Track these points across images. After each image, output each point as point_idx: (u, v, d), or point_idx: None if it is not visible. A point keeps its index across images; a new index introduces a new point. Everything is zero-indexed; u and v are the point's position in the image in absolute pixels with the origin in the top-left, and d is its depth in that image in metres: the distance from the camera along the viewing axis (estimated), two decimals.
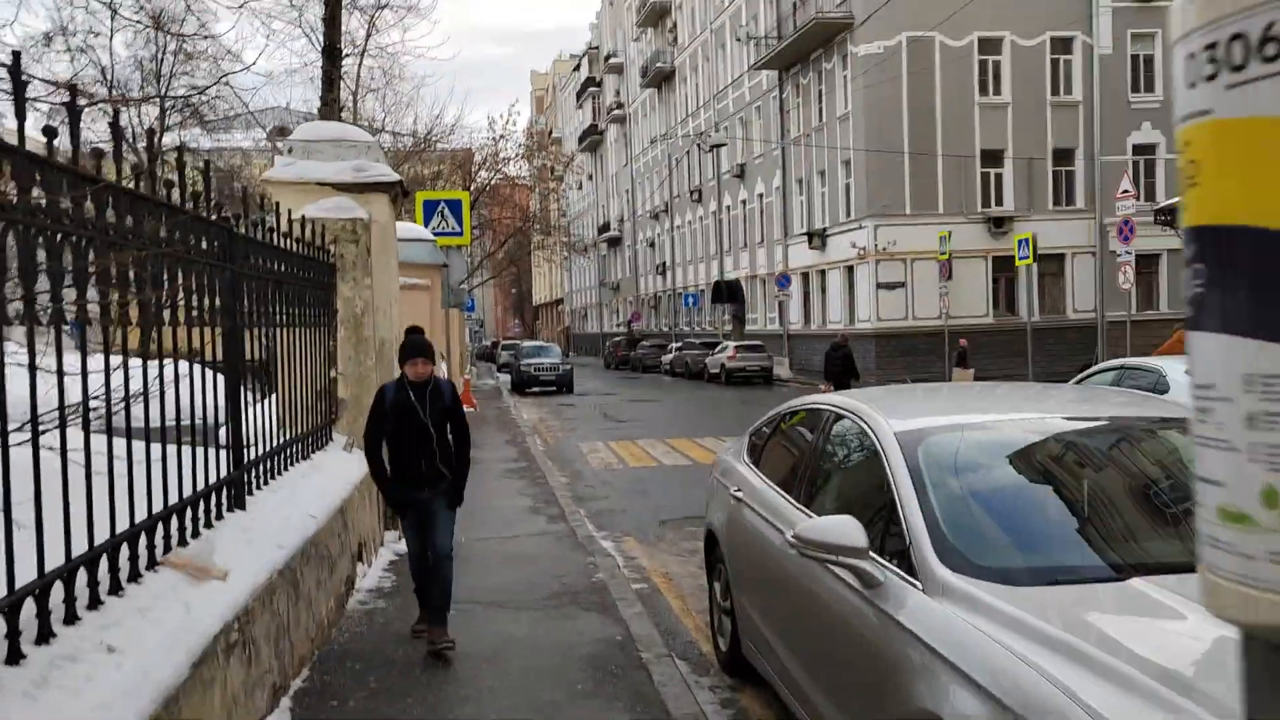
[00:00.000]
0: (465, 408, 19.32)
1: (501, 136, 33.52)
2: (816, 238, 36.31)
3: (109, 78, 31.57)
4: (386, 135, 32.46)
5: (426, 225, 16.29)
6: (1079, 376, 12.40)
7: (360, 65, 28.06)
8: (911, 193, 32.56)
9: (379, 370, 7.51)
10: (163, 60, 32.80)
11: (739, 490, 5.11)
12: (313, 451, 6.51)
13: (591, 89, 74.01)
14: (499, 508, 9.95)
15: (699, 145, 42.93)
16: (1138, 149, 33.56)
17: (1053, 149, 33.35)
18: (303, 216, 6.78)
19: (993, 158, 33.17)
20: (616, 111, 67.08)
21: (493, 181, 35.44)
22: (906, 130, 32.32)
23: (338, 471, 6.32)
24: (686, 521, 9.27)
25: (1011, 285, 33.68)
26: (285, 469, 5.61)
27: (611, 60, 67.82)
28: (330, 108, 19.70)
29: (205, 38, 32.47)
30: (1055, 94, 33.40)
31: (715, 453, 14.81)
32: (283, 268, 5.89)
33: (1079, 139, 33.52)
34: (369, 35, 26.39)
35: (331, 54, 20.15)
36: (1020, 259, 22.43)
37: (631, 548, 8.14)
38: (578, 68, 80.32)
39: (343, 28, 22.21)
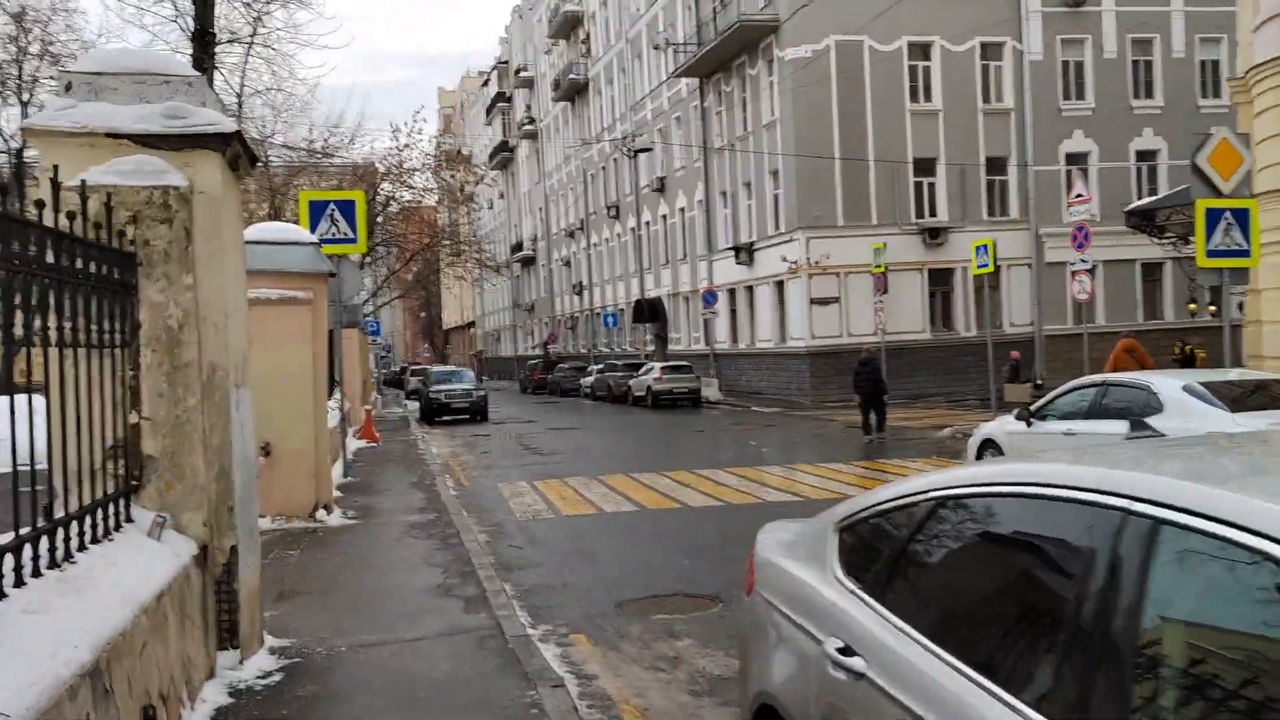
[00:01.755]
0: (367, 443, 16.68)
1: (406, 145, 30.90)
2: (744, 252, 34.50)
3: None
4: (277, 143, 29.66)
5: (313, 231, 13.75)
6: (1055, 392, 10.92)
7: (246, 62, 25.31)
8: (844, 203, 30.99)
9: (208, 410, 5.09)
10: (23, 62, 29.54)
11: (849, 651, 2.60)
12: (91, 543, 4.08)
13: (501, 104, 71.65)
14: (397, 586, 7.54)
15: (623, 151, 40.86)
16: (1070, 157, 32.58)
17: (986, 157, 32.18)
18: (82, 183, 4.37)
19: (925, 167, 31.84)
20: (528, 127, 64.79)
21: (397, 194, 32.76)
22: (837, 138, 30.77)
23: (120, 583, 3.88)
24: (654, 604, 7.04)
25: (948, 299, 32.34)
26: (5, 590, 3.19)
27: (522, 74, 65.58)
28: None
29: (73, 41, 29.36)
30: (986, 101, 32.27)
31: (660, 492, 12.67)
32: (45, 259, 3.53)
33: (1011, 147, 32.43)
34: (255, 27, 23.68)
35: (203, 39, 17.50)
36: (979, 267, 20.79)
37: (585, 655, 5.81)
38: (486, 83, 77.88)
39: (216, 11, 19.55)
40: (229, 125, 5.22)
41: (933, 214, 31.97)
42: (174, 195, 5.00)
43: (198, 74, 5.35)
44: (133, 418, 4.88)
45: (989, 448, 11.32)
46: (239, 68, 25.19)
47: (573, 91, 54.32)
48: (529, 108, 65.73)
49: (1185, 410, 8.76)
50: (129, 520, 4.75)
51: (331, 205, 13.80)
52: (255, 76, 24.69)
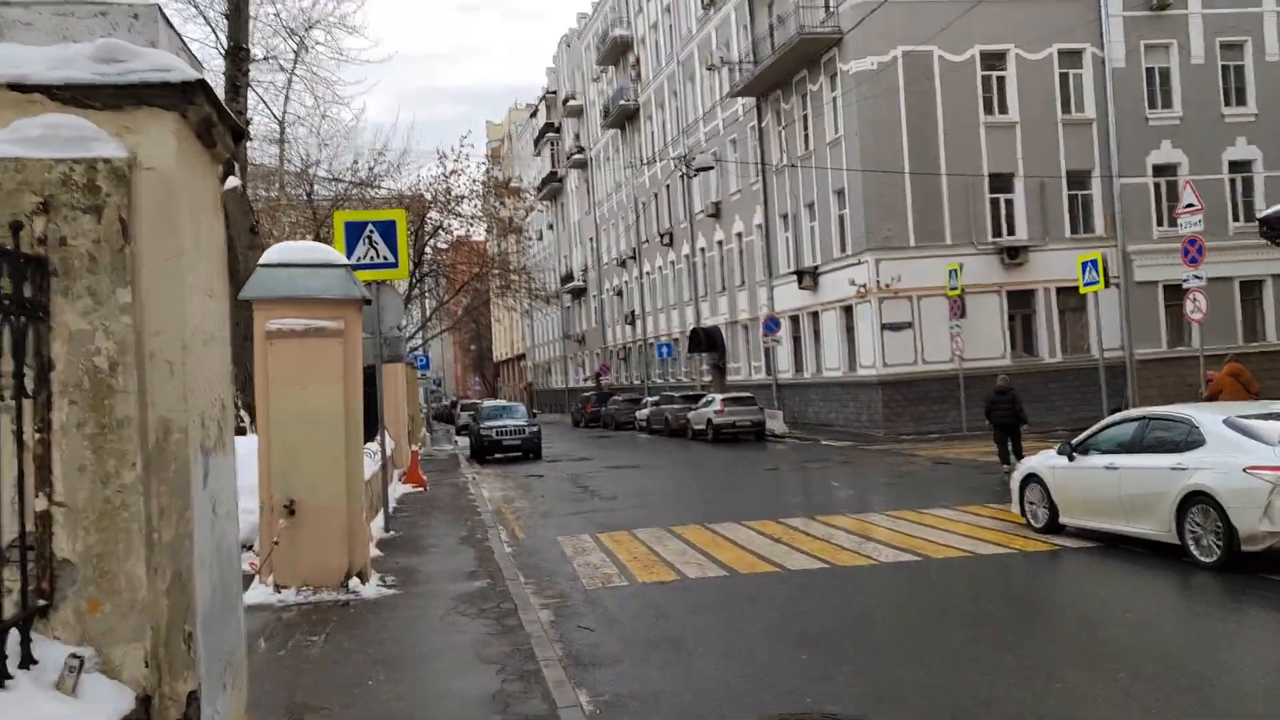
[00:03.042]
0: (413, 488, 15.14)
1: (453, 171, 29.64)
2: (807, 276, 32.69)
3: None
4: (322, 170, 28.58)
5: (349, 255, 12.28)
6: (1097, 426, 10.92)
7: (289, 87, 24.23)
8: (915, 222, 29.11)
9: (155, 489, 3.45)
10: None
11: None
12: None
13: (550, 135, 70.74)
14: (442, 696, 5.86)
15: (682, 171, 39.27)
16: (1158, 169, 30.44)
17: (1067, 171, 30.12)
18: None
19: (1002, 182, 29.87)
20: (577, 156, 63.71)
21: (445, 223, 31.51)
22: (907, 154, 28.95)
23: None
24: None
25: (1029, 323, 30.22)
26: None
27: (570, 103, 64.60)
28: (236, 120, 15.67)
29: None
30: (1066, 111, 30.27)
31: (748, 550, 10.81)
32: None
33: (1094, 160, 30.35)
34: (298, 56, 22.59)
35: (236, 56, 16.26)
36: (1087, 284, 18.77)
37: None
38: (534, 114, 77.16)
39: (253, 33, 18.41)
40: (190, 73, 3.59)
41: (1011, 232, 29.95)
42: (105, 172, 3.41)
43: (151, 1, 3.75)
44: (39, 503, 3.28)
45: (1032, 481, 11.39)
46: (281, 93, 24.16)
47: (623, 118, 53.09)
48: (578, 137, 64.71)
49: (1226, 444, 8.92)
50: (30, 662, 3.12)
51: (370, 227, 12.37)
52: (297, 100, 23.41)
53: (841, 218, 31.05)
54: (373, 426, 13.73)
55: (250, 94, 24.37)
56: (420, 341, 38.50)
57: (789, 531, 12.01)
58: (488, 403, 36.17)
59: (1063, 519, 10.82)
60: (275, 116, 24.31)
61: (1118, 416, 10.98)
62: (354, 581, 8.97)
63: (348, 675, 6.32)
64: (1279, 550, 8.34)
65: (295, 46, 22.49)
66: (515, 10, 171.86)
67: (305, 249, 9.26)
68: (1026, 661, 6.32)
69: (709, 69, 40.79)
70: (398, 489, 17.88)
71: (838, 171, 30.64)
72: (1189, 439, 9.30)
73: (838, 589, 8.80)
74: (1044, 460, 11.25)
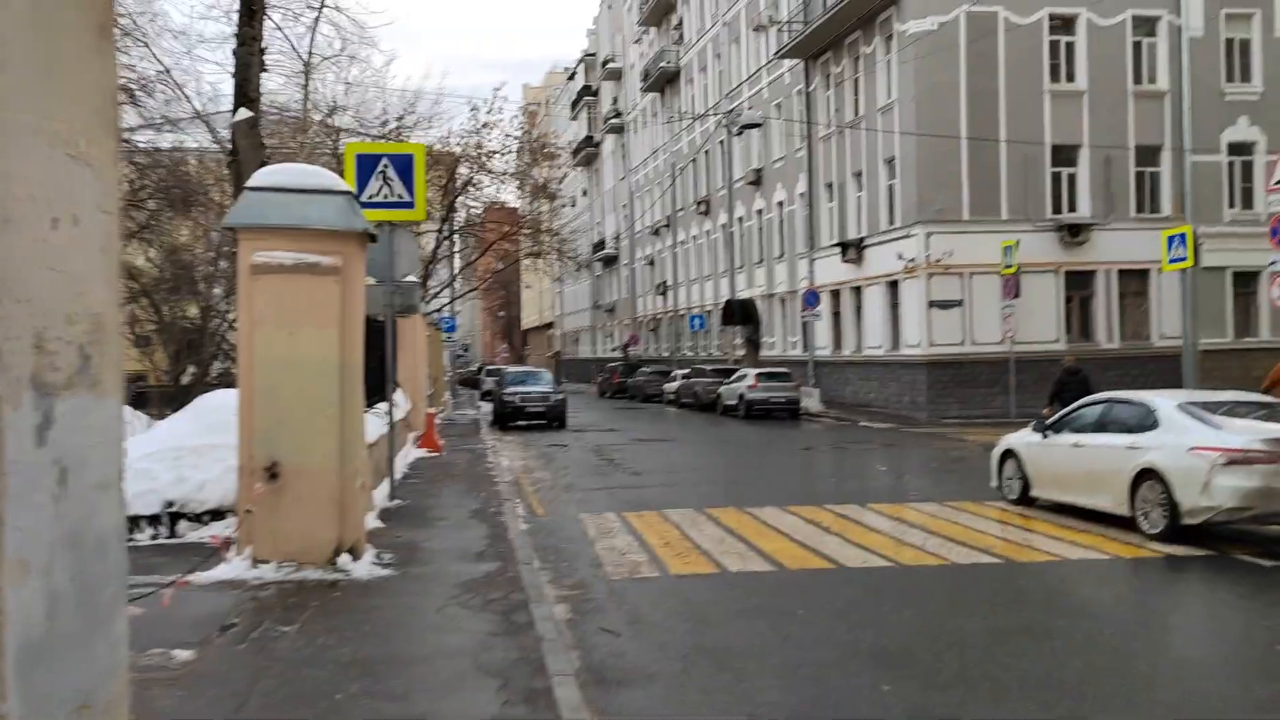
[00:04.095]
0: (429, 452, 13.95)
1: (485, 125, 28.30)
2: (852, 249, 31.12)
3: None
4: (349, 119, 27.32)
5: (360, 193, 11.00)
6: (1071, 406, 11.72)
7: (315, 27, 22.96)
8: (970, 195, 27.44)
9: None
10: None
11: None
12: None
13: (587, 98, 69.13)
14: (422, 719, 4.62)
15: (727, 131, 37.61)
16: (1233, 148, 28.58)
17: (1135, 146, 28.31)
18: None
19: (1065, 155, 28.12)
20: (614, 120, 62.10)
21: (475, 179, 30.18)
22: (965, 121, 27.24)
23: None
24: None
25: (1087, 306, 28.56)
26: None
27: (610, 65, 62.93)
28: (249, 47, 14.51)
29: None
30: (1138, 82, 28.40)
31: (795, 540, 9.38)
32: None
33: (1165, 135, 28.50)
34: None
35: (250, 10, 14.85)
36: (1173, 261, 17.16)
37: None
38: (572, 77, 75.49)
39: None
40: None
41: (1072, 209, 28.23)
42: None
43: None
44: None
45: (1009, 457, 12.14)
46: (308, 32, 22.91)
47: (663, 81, 51.46)
48: (615, 100, 63.09)
49: (1177, 427, 9.62)
50: None
51: (384, 161, 11.08)
52: (324, 43, 22.12)
53: (891, 188, 29.44)
54: (383, 384, 12.52)
55: (276, 34, 23.05)
56: (448, 300, 37.33)
57: (839, 520, 10.69)
58: (512, 368, 34.99)
59: (1034, 492, 11.57)
60: (300, 56, 23.09)
61: (1088, 399, 11.70)
62: (344, 558, 7.76)
63: (315, 683, 5.08)
64: (1214, 524, 9.12)
65: None
66: None
67: (300, 171, 7.98)
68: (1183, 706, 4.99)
69: (755, 30, 39.09)
70: (411, 453, 16.72)
71: (889, 139, 29.01)
72: (1146, 421, 10.02)
73: (909, 594, 7.47)
74: (1021, 437, 12.01)
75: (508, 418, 26.66)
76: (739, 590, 7.55)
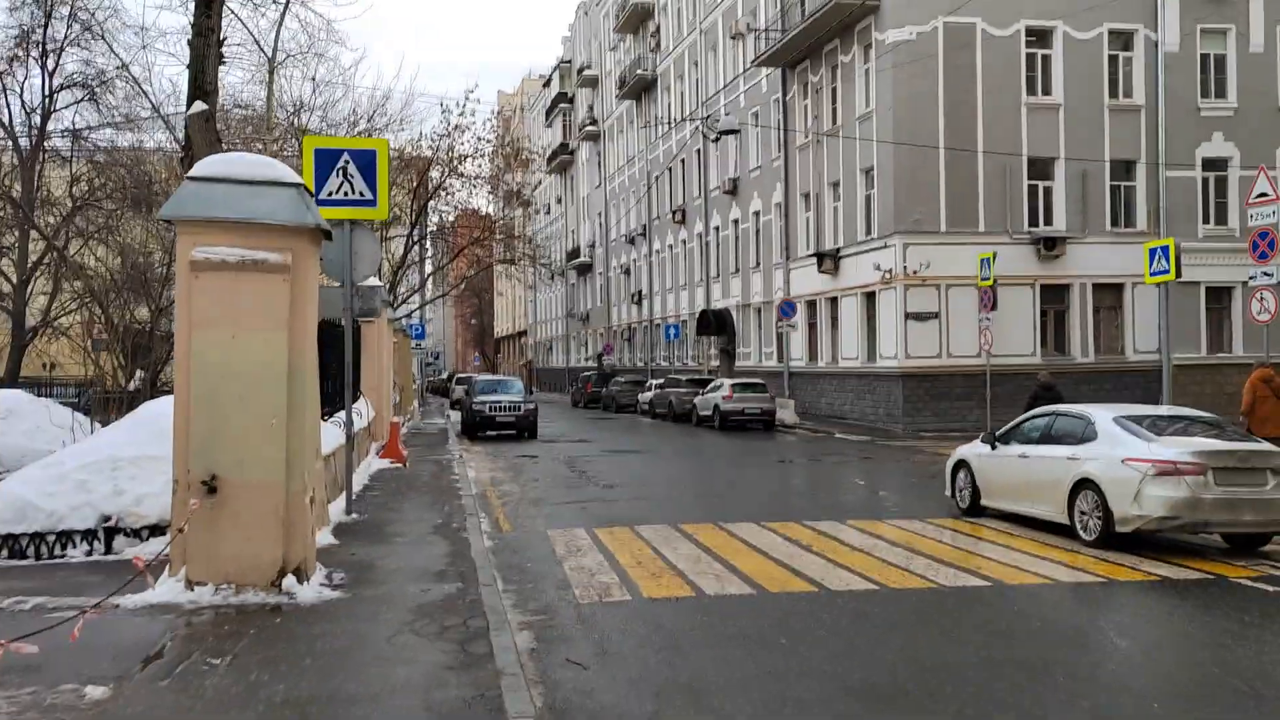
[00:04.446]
0: (392, 463, 13.35)
1: (457, 127, 27.71)
2: (828, 259, 30.80)
3: None
4: (316, 119, 26.68)
5: (318, 190, 10.45)
6: (1018, 419, 12.08)
7: (280, 23, 22.34)
8: (947, 206, 27.21)
9: None
10: (48, 26, 26.69)
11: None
12: None
13: (562, 105, 68.66)
14: None
15: (705, 136, 37.18)
16: (1207, 163, 28.55)
17: (1111, 160, 28.20)
18: None
19: (1042, 168, 27.97)
20: (590, 128, 61.64)
21: (446, 182, 29.55)
22: (942, 132, 27.02)
23: None
24: None
25: (1062, 320, 28.36)
26: None
27: (585, 73, 62.50)
28: (205, 38, 13.87)
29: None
30: (1114, 96, 28.33)
31: (774, 559, 8.77)
32: None
33: (1141, 149, 28.42)
34: None
35: None
36: (1155, 275, 16.85)
37: None
38: (547, 83, 75.01)
39: None
40: None
41: (1048, 222, 28.06)
42: None
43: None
44: None
45: (961, 468, 12.49)
46: (273, 29, 22.28)
47: (639, 89, 51.08)
48: (591, 108, 62.67)
49: (1112, 439, 10.08)
50: None
51: (345, 156, 10.54)
52: (291, 41, 21.48)
53: (868, 198, 29.16)
54: (342, 392, 11.93)
55: (240, 30, 22.31)
56: (416, 306, 36.63)
57: (819, 538, 10.21)
58: (483, 377, 34.34)
59: (984, 501, 11.90)
60: (265, 53, 22.44)
61: (1035, 411, 12.19)
62: (289, 580, 7.18)
63: None
64: (1144, 532, 9.49)
65: None
66: None
67: (247, 161, 7.40)
68: None
69: (733, 38, 38.80)
70: (373, 464, 16.11)
71: (867, 149, 28.74)
72: (1085, 433, 10.46)
73: (898, 621, 6.98)
74: (972, 449, 12.38)
75: (477, 427, 26.04)
76: (716, 616, 7.04)
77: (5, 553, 9.13)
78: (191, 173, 7.16)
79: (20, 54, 25.91)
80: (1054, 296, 28.12)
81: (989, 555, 9.46)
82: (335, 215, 10.45)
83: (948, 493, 12.65)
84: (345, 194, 10.49)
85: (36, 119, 26.03)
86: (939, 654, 6.19)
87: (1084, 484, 9.96)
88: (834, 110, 31.14)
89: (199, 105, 13.45)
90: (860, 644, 6.38)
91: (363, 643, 6.01)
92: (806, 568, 8.63)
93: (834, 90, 31.17)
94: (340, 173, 10.44)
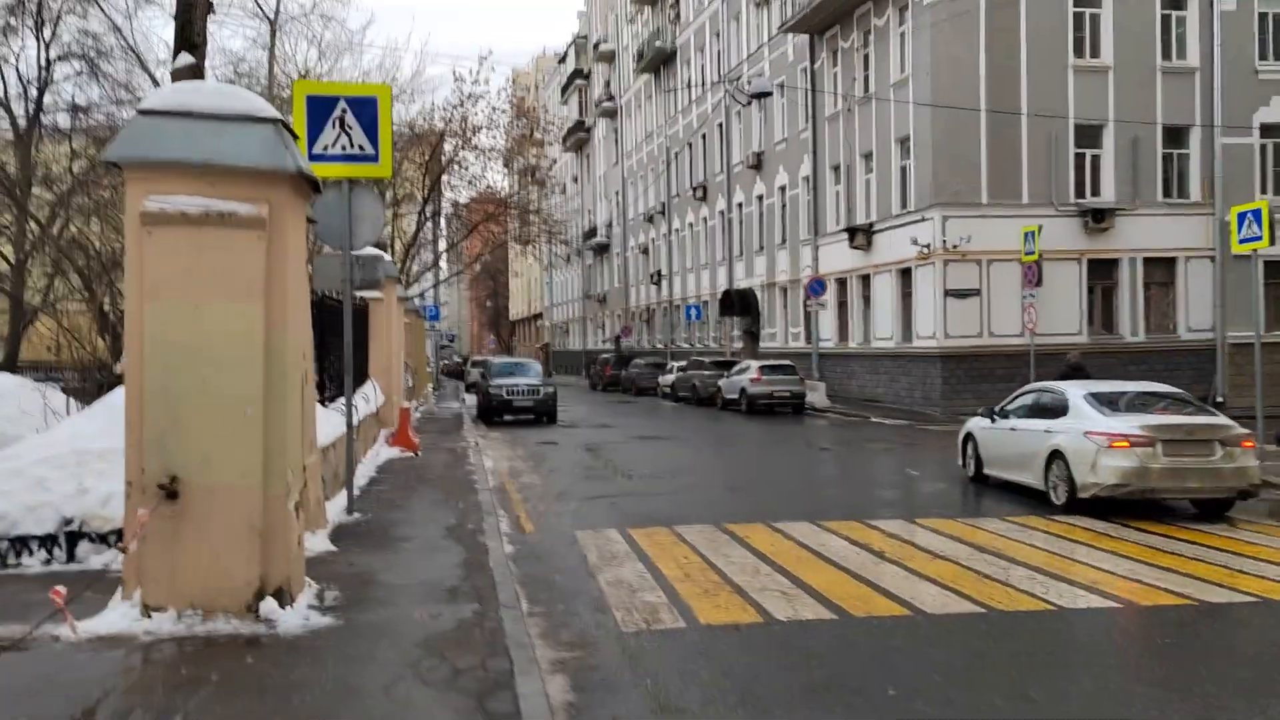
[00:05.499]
0: (402, 452, 11.96)
1: (470, 96, 26.31)
2: (860, 235, 29.27)
3: None
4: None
5: (311, 145, 9.10)
6: (1014, 394, 13.08)
7: None
8: (989, 177, 25.62)
9: None
10: None
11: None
12: None
13: (578, 82, 67.02)
14: None
15: (734, 98, 35.66)
16: (1266, 129, 26.82)
17: (1163, 126, 26.54)
18: None
19: (1089, 135, 26.33)
20: (607, 104, 60.04)
21: (459, 157, 28.18)
22: (984, 98, 25.42)
23: None
24: None
25: (1110, 297, 26.80)
26: None
27: (602, 47, 60.85)
28: None
29: None
30: (1167, 58, 26.61)
31: (847, 570, 7.33)
32: None
33: (1195, 114, 26.73)
34: None
35: None
36: (1244, 241, 15.27)
37: None
38: (562, 59, 73.38)
39: None
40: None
41: (1096, 193, 26.44)
42: None
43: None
44: None
45: (969, 440, 13.48)
46: None
47: (658, 62, 49.47)
48: (608, 84, 61.04)
49: (1080, 413, 11.04)
50: None
51: (341, 104, 9.18)
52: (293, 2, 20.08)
53: (904, 169, 27.62)
54: (342, 375, 10.60)
55: None
56: (429, 285, 35.32)
57: (890, 543, 8.84)
58: (499, 359, 33.05)
59: (985, 470, 12.85)
60: (265, 14, 21.08)
61: (1028, 387, 13.37)
62: (268, 604, 5.86)
63: None
64: (1101, 498, 10.34)
65: None
66: None
67: (212, 90, 6.03)
68: None
69: (757, 5, 37.22)
70: (382, 453, 14.81)
71: (902, 117, 27.17)
72: (1060, 408, 11.42)
73: (1026, 659, 5.59)
74: (977, 422, 13.35)
75: (494, 411, 24.76)
76: (795, 651, 5.68)
77: None
78: (143, 105, 5.82)
79: (14, 24, 24.70)
80: (1102, 272, 26.53)
81: (1096, 564, 8.06)
82: (332, 172, 9.11)
83: (959, 462, 13.56)
84: (343, 148, 9.13)
85: (33, 92, 24.80)
86: (1103, 709, 4.81)
87: (1055, 455, 10.95)
88: (866, 77, 29.55)
89: (184, 58, 12.10)
90: (991, 695, 5.01)
91: (353, 695, 4.69)
92: (887, 582, 7.26)
93: (866, 56, 29.58)
94: (337, 123, 9.08)
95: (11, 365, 23.75)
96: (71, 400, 16.41)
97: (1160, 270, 26.91)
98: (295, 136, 6.34)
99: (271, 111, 5.95)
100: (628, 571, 7.71)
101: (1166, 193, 26.82)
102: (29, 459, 8.53)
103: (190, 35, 12.53)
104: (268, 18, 19.89)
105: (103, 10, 24.81)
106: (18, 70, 24.96)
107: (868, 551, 8.38)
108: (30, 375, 19.06)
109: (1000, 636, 6.03)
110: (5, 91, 24.94)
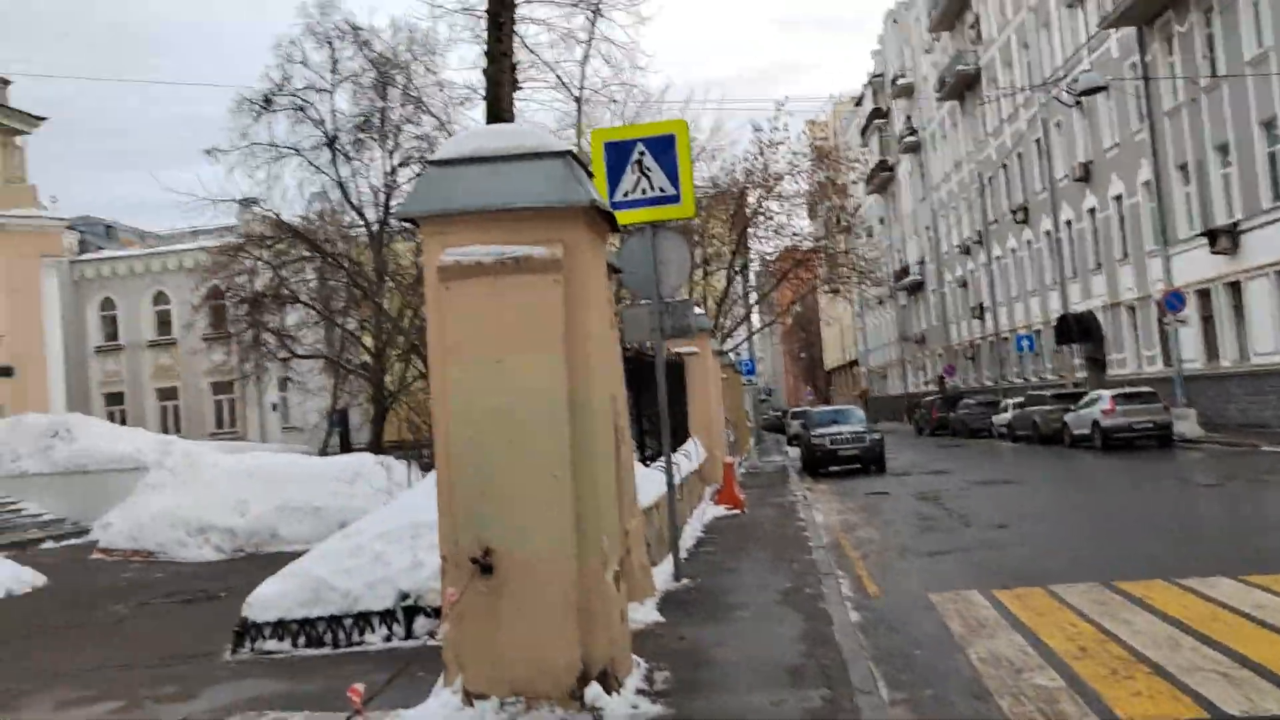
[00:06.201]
0: (728, 509, 11.31)
1: (770, 144, 25.87)
2: (1223, 237, 25.52)
3: (331, 138, 27.22)
4: None
5: (612, 194, 8.74)
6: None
7: (585, 60, 21.56)
8: None
9: None
10: (385, 114, 28.08)
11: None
12: None
13: (877, 121, 65.41)
14: None
15: (1058, 101, 33.17)
16: None
17: None
18: None
19: None
20: (909, 139, 57.92)
21: (762, 205, 27.74)
22: None
23: None
24: None
25: None
26: None
27: (900, 82, 58.94)
28: (499, 64, 12.95)
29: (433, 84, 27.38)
30: None
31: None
32: None
33: None
34: (594, 21, 19.80)
35: (498, 20, 13.14)
36: None
37: None
38: (859, 102, 72.02)
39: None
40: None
41: None
42: None
43: None
44: None
45: None
46: (579, 67, 21.54)
47: (961, 86, 46.98)
48: (909, 119, 58.92)
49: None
50: None
51: (639, 147, 8.78)
52: (593, 75, 20.56)
53: (1272, 155, 23.85)
54: (672, 431, 10.08)
55: (548, 74, 21.75)
56: (742, 339, 35.08)
57: None
58: (819, 408, 31.93)
59: None
60: (571, 94, 21.79)
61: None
62: (593, 690, 5.23)
63: None
64: None
65: (590, 11, 19.74)
66: (835, 22, 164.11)
67: (494, 133, 5.69)
68: None
69: (1069, 6, 34.24)
70: (708, 511, 14.23)
71: (1264, 96, 23.58)
72: None
73: None
74: None
75: (818, 463, 23.68)
76: None
77: (303, 640, 8.03)
78: (434, 155, 5.55)
79: (363, 139, 27.52)
80: None
81: None
82: (635, 218, 8.70)
83: None
84: (644, 192, 8.70)
85: (382, 198, 27.40)
86: None
87: None
88: (1211, 60, 26.01)
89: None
90: None
91: None
92: None
93: (1209, 36, 26.08)
94: (635, 167, 8.68)
95: (376, 446, 25.96)
96: (415, 473, 17.37)
97: None
98: (590, 172, 5.83)
99: (561, 145, 5.48)
100: (1003, 645, 6.40)
101: None
102: (369, 534, 8.65)
103: (499, 111, 12.91)
104: (575, 97, 20.48)
105: (430, 113, 26.98)
106: (369, 181, 27.77)
107: None
108: (395, 455, 20.58)
109: None
110: (359, 200, 27.79)
